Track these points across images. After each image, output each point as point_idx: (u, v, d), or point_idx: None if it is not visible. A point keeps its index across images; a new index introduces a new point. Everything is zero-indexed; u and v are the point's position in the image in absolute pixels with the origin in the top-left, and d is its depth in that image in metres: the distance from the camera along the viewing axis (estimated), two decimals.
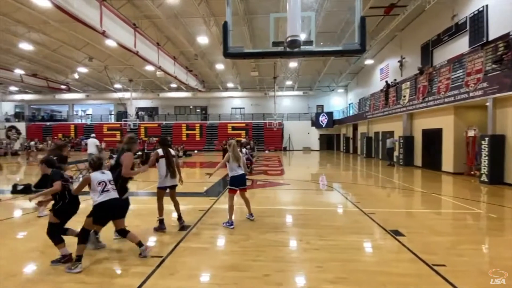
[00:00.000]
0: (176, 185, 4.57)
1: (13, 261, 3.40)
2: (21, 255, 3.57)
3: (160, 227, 4.42)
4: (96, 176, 3.27)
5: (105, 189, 3.23)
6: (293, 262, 3.38)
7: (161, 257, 3.43)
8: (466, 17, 11.46)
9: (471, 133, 10.05)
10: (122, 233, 3.38)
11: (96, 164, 3.37)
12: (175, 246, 3.78)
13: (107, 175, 3.37)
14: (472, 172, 10.14)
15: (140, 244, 3.39)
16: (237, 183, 4.75)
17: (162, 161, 4.36)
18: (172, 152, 4.56)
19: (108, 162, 11.88)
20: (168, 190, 4.49)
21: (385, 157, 17.24)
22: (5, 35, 16.37)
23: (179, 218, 4.61)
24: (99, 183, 3.23)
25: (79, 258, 3.11)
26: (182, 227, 4.53)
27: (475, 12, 10.94)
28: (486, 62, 8.91)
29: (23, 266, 3.28)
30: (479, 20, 10.75)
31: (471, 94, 9.25)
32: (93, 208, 3.24)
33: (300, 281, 3.00)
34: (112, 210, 3.30)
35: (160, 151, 4.42)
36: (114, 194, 3.31)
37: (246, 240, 4.04)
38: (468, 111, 10.73)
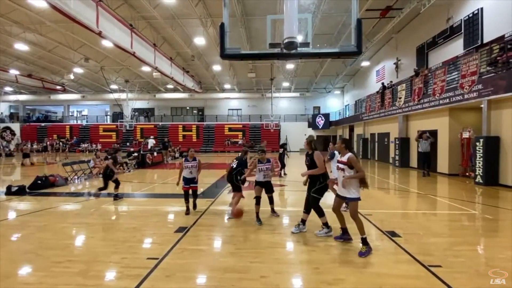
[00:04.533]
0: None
1: (9, 262, 3.36)
2: (17, 257, 3.53)
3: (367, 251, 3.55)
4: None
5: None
6: (290, 263, 3.38)
7: (157, 258, 3.41)
8: (461, 20, 11.61)
9: (466, 135, 10.15)
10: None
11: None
12: (172, 248, 3.76)
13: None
14: (467, 174, 10.23)
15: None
16: None
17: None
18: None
19: (104, 163, 11.75)
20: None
21: (382, 159, 17.34)
22: (1, 36, 16.21)
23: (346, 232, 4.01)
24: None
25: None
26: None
27: (470, 15, 11.08)
28: (481, 65, 9.01)
29: (19, 268, 3.24)
30: (474, 22, 10.88)
31: (466, 96, 9.35)
32: None
33: (297, 282, 3.00)
34: None
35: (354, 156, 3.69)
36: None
37: (243, 242, 4.03)
38: (463, 113, 10.83)
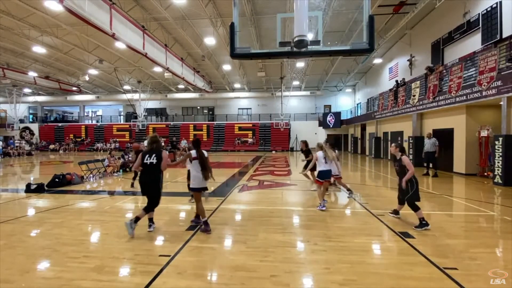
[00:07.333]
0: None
1: (28, 257, 3.49)
2: (35, 252, 3.67)
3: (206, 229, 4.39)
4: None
5: None
6: (300, 263, 3.36)
7: (169, 256, 3.47)
8: (479, 14, 11.18)
9: (484, 133, 9.79)
10: None
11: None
12: (183, 246, 3.82)
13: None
14: (486, 173, 9.88)
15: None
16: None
17: (196, 163, 4.40)
18: (205, 153, 4.57)
19: (118, 162, 11.98)
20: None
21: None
22: (20, 39, 16.88)
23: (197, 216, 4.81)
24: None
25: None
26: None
27: (488, 9, 10.66)
28: (500, 60, 8.66)
29: (37, 263, 3.37)
30: (492, 17, 10.47)
31: (484, 93, 9.01)
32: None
33: (307, 282, 2.98)
34: None
35: (193, 153, 4.45)
36: None
37: (254, 241, 4.04)
38: (481, 111, 10.45)
